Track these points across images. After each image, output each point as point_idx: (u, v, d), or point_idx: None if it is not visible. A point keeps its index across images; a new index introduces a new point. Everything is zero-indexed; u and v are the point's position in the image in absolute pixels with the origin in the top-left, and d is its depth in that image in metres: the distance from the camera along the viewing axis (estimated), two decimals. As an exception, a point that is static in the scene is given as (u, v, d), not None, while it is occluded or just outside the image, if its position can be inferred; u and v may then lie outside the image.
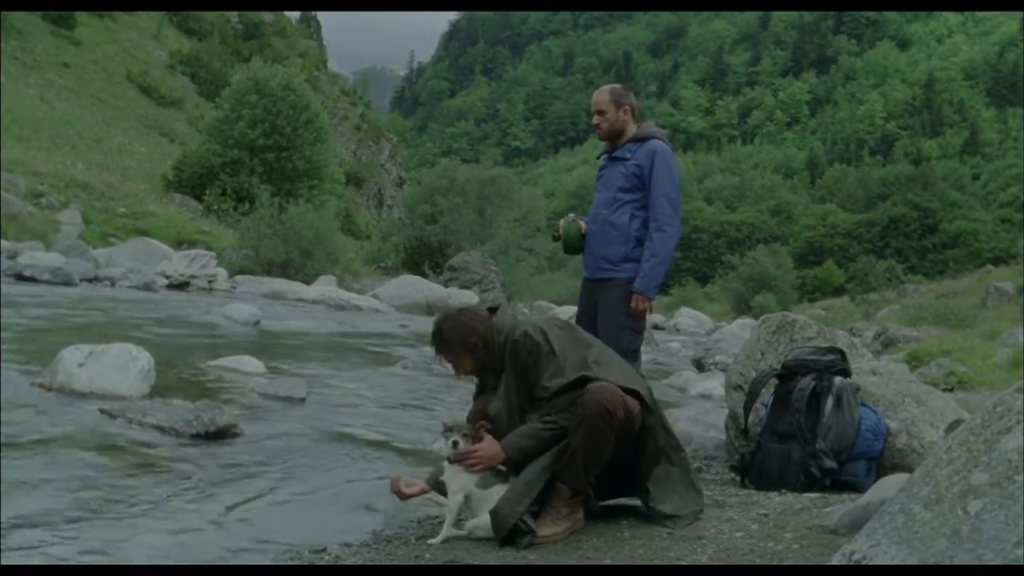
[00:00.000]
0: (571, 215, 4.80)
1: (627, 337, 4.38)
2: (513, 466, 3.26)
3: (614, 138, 4.60)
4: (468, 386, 7.36)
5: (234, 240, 21.87)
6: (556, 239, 4.77)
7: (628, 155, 4.50)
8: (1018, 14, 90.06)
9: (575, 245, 4.65)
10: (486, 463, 3.22)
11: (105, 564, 2.67)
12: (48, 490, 3.30)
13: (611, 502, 3.53)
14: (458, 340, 3.36)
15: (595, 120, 4.60)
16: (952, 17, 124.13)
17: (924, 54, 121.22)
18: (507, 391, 3.34)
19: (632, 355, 4.31)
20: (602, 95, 4.59)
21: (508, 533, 3.06)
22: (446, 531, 3.14)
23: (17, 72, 35.55)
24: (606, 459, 3.22)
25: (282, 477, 3.89)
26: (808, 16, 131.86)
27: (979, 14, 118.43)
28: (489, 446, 3.23)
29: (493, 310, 3.47)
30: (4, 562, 2.56)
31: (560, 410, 3.20)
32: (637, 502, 3.47)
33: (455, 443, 3.25)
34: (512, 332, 3.34)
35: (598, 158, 4.84)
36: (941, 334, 14.63)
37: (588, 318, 4.58)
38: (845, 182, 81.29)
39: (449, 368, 3.53)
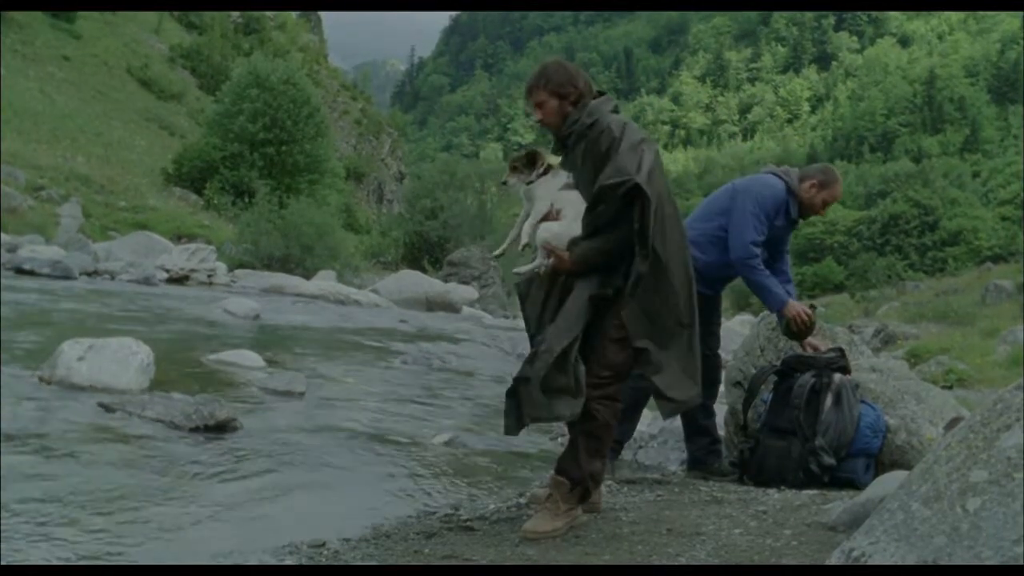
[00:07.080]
0: None
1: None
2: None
3: None
4: (466, 381, 7.37)
5: (234, 234, 21.84)
6: None
7: None
8: (1019, 12, 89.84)
9: None
10: (563, 262, 3.25)
11: (105, 564, 2.67)
12: (47, 485, 3.30)
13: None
14: (557, 81, 3.36)
15: None
16: (953, 14, 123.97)
17: (925, 51, 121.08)
18: (583, 171, 3.33)
19: None
20: None
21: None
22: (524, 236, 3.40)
23: (17, 65, 35.47)
24: (607, 449, 3.31)
25: (281, 471, 3.89)
26: (809, 12, 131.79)
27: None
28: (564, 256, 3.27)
29: (601, 93, 3.48)
30: (4, 562, 2.56)
31: (609, 222, 3.18)
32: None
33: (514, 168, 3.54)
34: (603, 119, 3.31)
35: None
36: (940, 331, 14.62)
37: None
38: (845, 179, 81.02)
39: (533, 111, 3.49)
